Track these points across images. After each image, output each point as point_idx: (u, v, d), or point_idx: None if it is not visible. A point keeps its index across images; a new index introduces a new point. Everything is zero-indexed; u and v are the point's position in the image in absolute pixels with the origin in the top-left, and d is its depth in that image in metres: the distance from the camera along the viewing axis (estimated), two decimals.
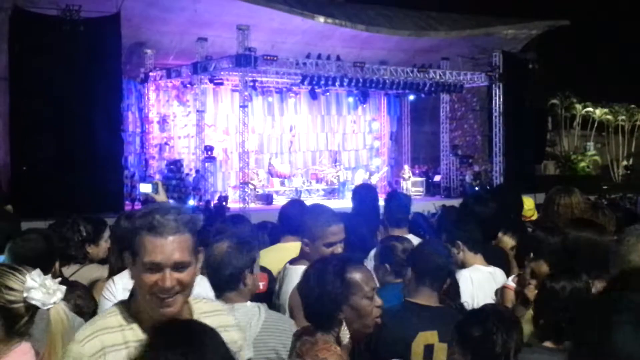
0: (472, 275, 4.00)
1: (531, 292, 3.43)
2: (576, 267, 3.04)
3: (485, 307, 2.73)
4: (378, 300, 2.89)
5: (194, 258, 2.21)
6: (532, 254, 3.56)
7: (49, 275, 2.29)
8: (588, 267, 2.98)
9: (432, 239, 3.93)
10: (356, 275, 2.81)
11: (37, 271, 2.27)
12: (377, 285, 3.03)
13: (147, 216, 2.16)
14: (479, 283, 3.98)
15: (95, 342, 2.17)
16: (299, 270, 3.46)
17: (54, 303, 2.24)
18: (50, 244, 3.55)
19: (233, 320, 2.44)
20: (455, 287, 3.69)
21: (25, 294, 2.22)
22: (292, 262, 3.74)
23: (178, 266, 2.15)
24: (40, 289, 2.23)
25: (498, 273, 4.18)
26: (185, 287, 2.18)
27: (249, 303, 3.07)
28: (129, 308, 2.26)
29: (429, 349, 3.17)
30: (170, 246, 2.13)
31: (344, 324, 2.76)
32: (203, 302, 2.39)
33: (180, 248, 2.15)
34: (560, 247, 3.42)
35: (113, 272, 3.76)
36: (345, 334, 2.77)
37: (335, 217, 3.67)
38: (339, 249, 3.57)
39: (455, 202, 6.37)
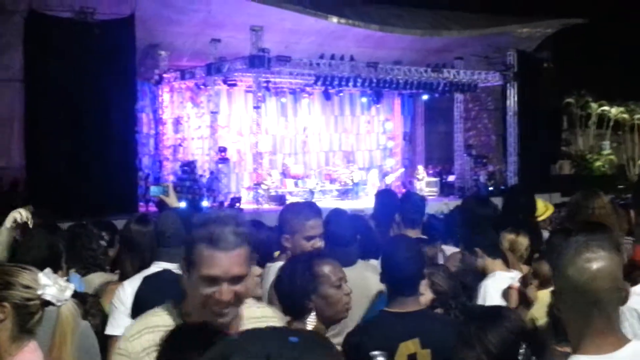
0: (493, 285, 3.93)
1: (532, 292, 3.40)
2: None
3: (502, 311, 2.65)
4: (346, 289, 3.10)
5: (250, 268, 2.24)
6: (536, 255, 3.54)
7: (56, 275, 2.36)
8: None
9: (403, 239, 3.81)
10: (324, 268, 3.07)
11: (48, 270, 2.33)
12: (344, 275, 3.15)
13: (206, 227, 2.13)
14: (497, 291, 3.91)
15: (142, 340, 2.19)
16: (277, 266, 3.58)
17: (66, 300, 2.30)
18: (53, 251, 3.52)
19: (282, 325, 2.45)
20: (456, 285, 3.65)
21: (40, 291, 2.27)
22: (274, 260, 3.86)
23: (236, 280, 2.15)
24: (54, 285, 2.28)
25: (519, 277, 4.11)
26: (241, 299, 2.20)
27: None
28: (179, 308, 2.26)
29: (412, 359, 3.13)
30: (229, 260, 2.12)
31: (313, 312, 2.98)
32: (255, 308, 2.40)
33: (239, 262, 2.15)
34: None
35: (124, 277, 3.76)
36: (312, 322, 2.96)
37: (315, 212, 3.78)
38: (318, 242, 3.67)
39: None
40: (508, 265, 4.18)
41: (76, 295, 3.44)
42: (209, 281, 2.13)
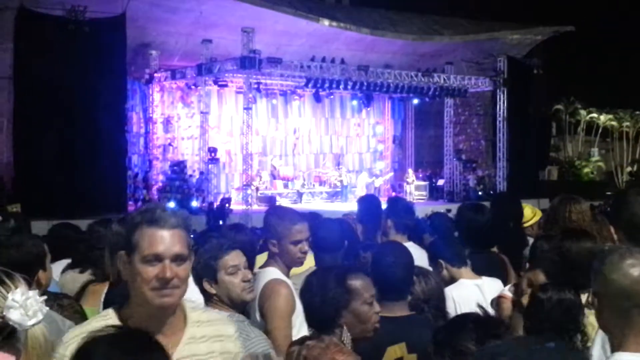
0: (454, 293, 3.93)
1: (527, 301, 3.42)
2: (579, 279, 3.05)
3: (466, 315, 2.63)
4: (377, 307, 3.01)
5: (190, 255, 2.29)
6: (528, 264, 3.57)
7: (34, 291, 2.14)
8: (588, 278, 2.99)
9: (393, 245, 3.81)
10: (356, 282, 2.96)
11: (22, 289, 2.12)
12: (375, 292, 3.06)
13: (148, 212, 2.28)
14: (462, 299, 3.91)
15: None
16: (268, 272, 3.57)
17: (32, 326, 2.10)
18: (32, 253, 3.41)
19: (232, 330, 2.44)
20: (437, 292, 3.66)
21: (3, 312, 2.08)
22: (262, 266, 3.79)
23: (177, 258, 2.22)
24: (19, 309, 2.09)
25: (487, 283, 4.11)
26: (182, 282, 2.25)
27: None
28: (120, 313, 2.29)
29: None
30: (170, 238, 2.22)
31: (345, 328, 2.85)
32: (201, 312, 2.42)
33: (180, 241, 2.24)
34: (559, 258, 3.42)
35: (108, 278, 3.76)
36: (345, 338, 2.84)
37: (300, 216, 3.77)
38: (305, 247, 3.66)
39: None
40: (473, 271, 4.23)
41: (50, 296, 3.44)
42: (151, 260, 2.20)
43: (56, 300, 3.29)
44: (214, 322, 2.40)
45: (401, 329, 3.18)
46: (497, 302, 3.80)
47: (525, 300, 3.41)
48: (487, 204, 5.38)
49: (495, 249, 4.91)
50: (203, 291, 3.12)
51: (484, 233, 4.72)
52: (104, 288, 3.85)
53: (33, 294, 2.14)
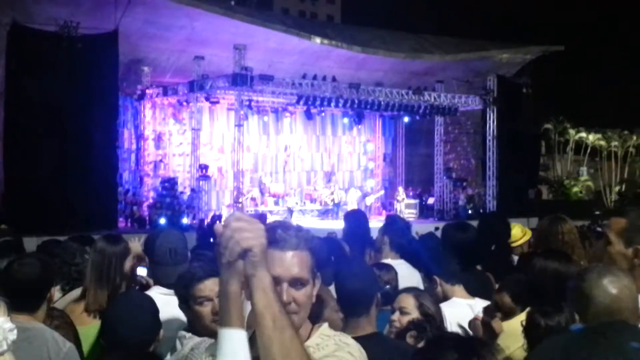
0: (447, 310, 3.91)
1: (497, 324, 3.43)
2: (543, 299, 3.08)
3: (446, 336, 2.58)
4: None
5: (312, 278, 2.14)
6: (497, 286, 3.58)
7: (3, 319, 2.09)
8: (552, 299, 3.03)
9: (350, 264, 3.79)
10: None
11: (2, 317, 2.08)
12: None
13: (269, 231, 2.05)
14: (453, 317, 3.91)
15: None
16: None
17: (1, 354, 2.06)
18: (47, 271, 3.44)
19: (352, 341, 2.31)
20: (437, 312, 3.67)
21: None
22: None
23: (296, 282, 2.08)
24: None
25: (479, 304, 4.07)
26: (301, 308, 2.10)
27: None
28: None
29: None
30: (289, 260, 2.08)
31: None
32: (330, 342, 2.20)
33: (300, 264, 2.09)
34: (524, 279, 3.43)
35: (84, 295, 3.76)
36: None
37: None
38: None
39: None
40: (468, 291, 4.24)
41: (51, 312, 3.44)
42: None
43: (52, 320, 3.30)
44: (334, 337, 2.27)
45: (364, 348, 3.15)
46: (472, 323, 3.78)
47: (495, 323, 3.42)
48: (476, 223, 5.43)
49: (479, 267, 4.94)
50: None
51: (469, 251, 4.75)
52: (79, 308, 3.83)
53: (1, 322, 2.09)
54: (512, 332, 3.30)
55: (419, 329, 3.38)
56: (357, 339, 3.04)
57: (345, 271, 3.43)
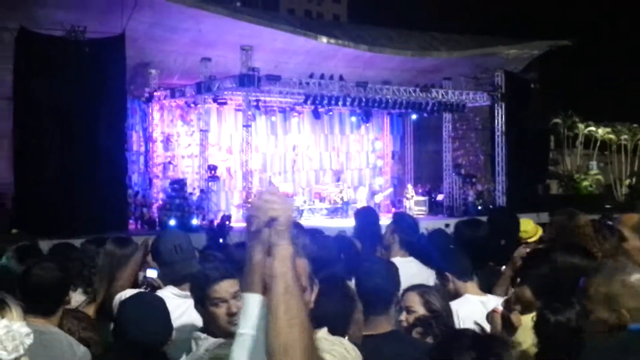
0: (459, 308, 3.91)
1: (516, 317, 3.41)
2: (564, 294, 3.05)
3: (463, 332, 2.49)
4: None
5: (308, 285, 2.15)
6: (518, 279, 3.55)
7: (19, 324, 2.08)
8: (572, 293, 3.00)
9: (371, 260, 3.79)
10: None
11: (4, 322, 2.05)
12: None
13: None
14: (466, 314, 3.90)
15: None
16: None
17: None
18: (66, 275, 3.46)
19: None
20: (445, 308, 3.66)
21: None
22: None
23: None
24: None
25: (492, 301, 4.06)
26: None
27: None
28: None
29: None
30: None
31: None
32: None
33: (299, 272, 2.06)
34: (547, 271, 3.40)
35: (95, 299, 3.77)
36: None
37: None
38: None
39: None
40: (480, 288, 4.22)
41: (73, 313, 3.47)
42: None
43: (71, 313, 3.33)
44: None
45: (382, 347, 3.14)
46: (491, 316, 3.79)
47: (515, 317, 3.41)
48: (485, 218, 5.42)
49: (492, 264, 4.93)
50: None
51: (482, 248, 4.74)
52: (90, 310, 3.85)
53: (17, 327, 2.07)
54: (528, 326, 3.29)
55: (424, 325, 3.38)
56: (375, 336, 3.14)
57: (368, 268, 3.44)
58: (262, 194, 1.84)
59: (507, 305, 3.55)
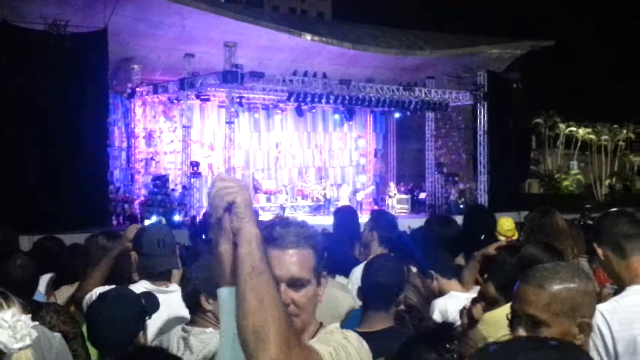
0: (447, 304, 3.93)
1: (477, 311, 3.44)
2: None
3: (423, 327, 2.60)
4: None
5: (314, 278, 2.01)
6: (485, 276, 3.58)
7: (27, 316, 2.08)
8: None
9: (380, 257, 3.77)
10: None
11: (14, 311, 2.05)
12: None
13: (267, 228, 1.98)
14: (454, 310, 3.88)
15: None
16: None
17: (19, 349, 2.03)
18: (37, 269, 3.47)
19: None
20: (419, 302, 3.70)
21: None
22: None
23: (295, 283, 1.96)
24: (7, 330, 2.01)
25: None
26: (301, 311, 1.97)
27: (210, 329, 3.08)
28: None
29: None
30: (288, 259, 1.96)
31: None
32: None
33: (300, 263, 1.96)
34: (512, 270, 3.41)
35: (82, 290, 3.78)
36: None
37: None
38: None
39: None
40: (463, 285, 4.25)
41: (41, 306, 3.47)
42: None
43: (50, 307, 3.33)
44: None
45: (382, 343, 3.05)
46: (461, 312, 3.82)
47: (476, 311, 3.44)
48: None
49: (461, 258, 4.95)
50: (195, 306, 3.12)
51: (453, 245, 4.77)
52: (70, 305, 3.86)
53: (25, 318, 2.07)
54: (494, 322, 3.29)
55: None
56: (373, 333, 3.13)
57: (375, 264, 3.45)
58: (214, 182, 1.75)
59: (473, 301, 3.59)
